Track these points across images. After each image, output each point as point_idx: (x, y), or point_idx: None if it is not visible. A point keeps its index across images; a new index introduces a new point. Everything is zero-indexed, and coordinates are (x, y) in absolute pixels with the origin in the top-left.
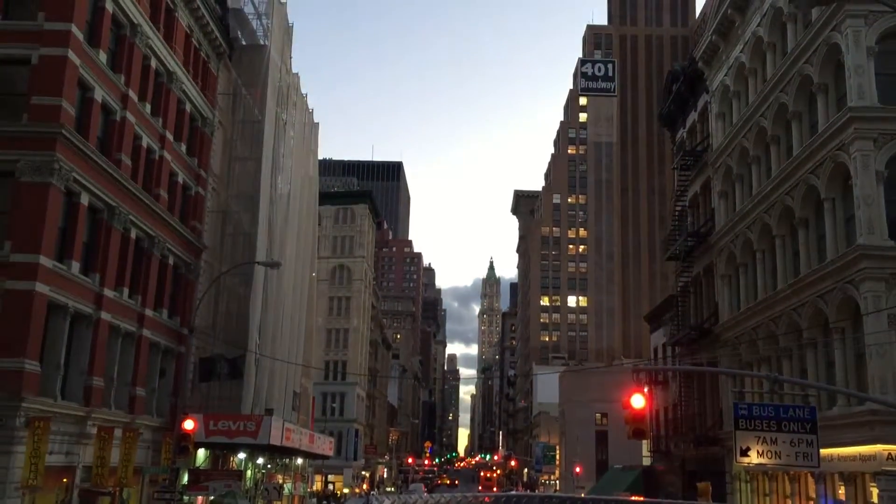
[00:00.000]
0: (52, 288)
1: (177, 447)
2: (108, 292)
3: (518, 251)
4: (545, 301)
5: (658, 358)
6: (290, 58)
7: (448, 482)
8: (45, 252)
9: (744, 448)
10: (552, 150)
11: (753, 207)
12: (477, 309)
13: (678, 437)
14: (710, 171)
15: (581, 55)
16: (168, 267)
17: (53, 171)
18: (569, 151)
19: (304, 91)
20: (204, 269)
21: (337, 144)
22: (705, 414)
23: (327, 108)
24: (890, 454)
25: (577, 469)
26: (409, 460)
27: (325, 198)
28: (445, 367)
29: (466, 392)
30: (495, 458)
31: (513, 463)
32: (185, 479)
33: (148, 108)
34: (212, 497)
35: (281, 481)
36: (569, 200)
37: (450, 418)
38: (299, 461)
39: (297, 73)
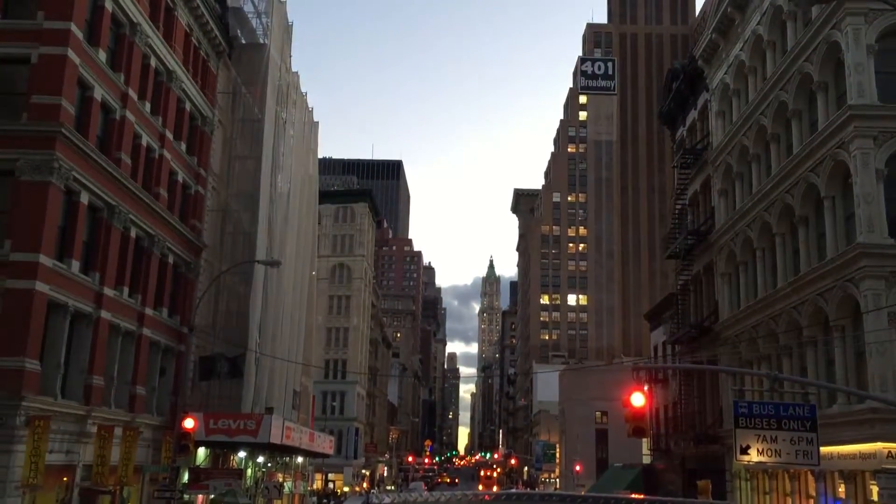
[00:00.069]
0: (52, 287)
1: (177, 446)
2: (108, 291)
3: (518, 249)
4: (545, 299)
5: (658, 356)
6: (290, 56)
7: (448, 481)
8: (45, 251)
9: (744, 446)
10: (552, 149)
11: (753, 206)
12: (477, 307)
13: (678, 435)
14: (710, 170)
15: (581, 53)
16: (168, 266)
17: (53, 170)
18: (569, 150)
19: (303, 90)
20: (204, 267)
21: (337, 143)
22: (705, 412)
23: (327, 107)
24: (890, 452)
25: (578, 467)
26: (410, 459)
27: (325, 196)
28: (445, 366)
29: (466, 390)
30: (495, 456)
31: (513, 461)
32: (186, 477)
33: (148, 106)
34: (212, 496)
35: (281, 480)
36: (569, 199)
37: (450, 417)
38: (299, 460)
39: (296, 72)
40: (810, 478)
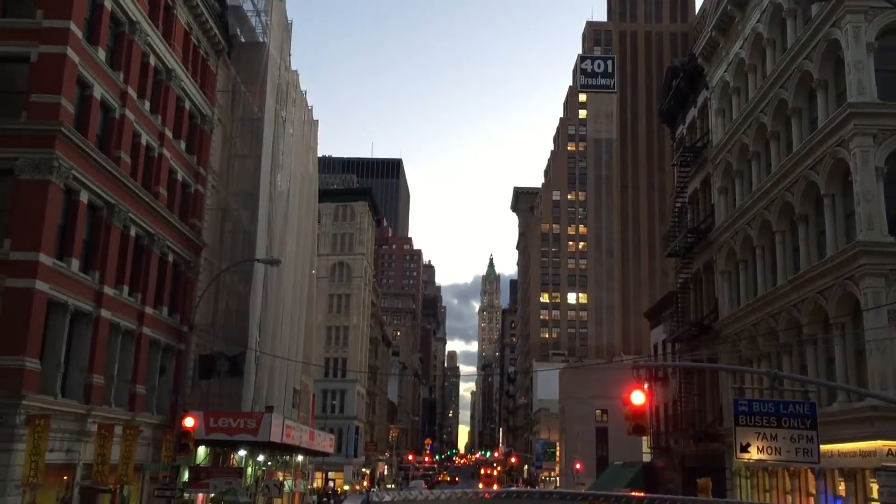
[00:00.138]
0: (51, 286)
1: (177, 444)
2: (108, 290)
3: (518, 248)
4: (545, 298)
5: (658, 354)
6: (290, 55)
7: (448, 479)
8: (45, 250)
9: (744, 444)
10: (552, 147)
11: (753, 204)
12: (477, 306)
13: (678, 433)
14: (709, 168)
15: (581, 52)
16: (168, 264)
17: (53, 169)
18: (568, 148)
19: (303, 88)
20: (204, 266)
21: (336, 142)
22: (705, 410)
23: (327, 106)
24: (890, 450)
25: (578, 466)
26: (410, 457)
27: (325, 195)
28: (445, 364)
29: (466, 389)
30: (495, 454)
31: (513, 460)
32: (186, 476)
33: (147, 105)
34: (212, 494)
35: (281, 478)
36: (568, 197)
37: (450, 415)
38: (300, 458)
39: (296, 71)
40: (810, 476)
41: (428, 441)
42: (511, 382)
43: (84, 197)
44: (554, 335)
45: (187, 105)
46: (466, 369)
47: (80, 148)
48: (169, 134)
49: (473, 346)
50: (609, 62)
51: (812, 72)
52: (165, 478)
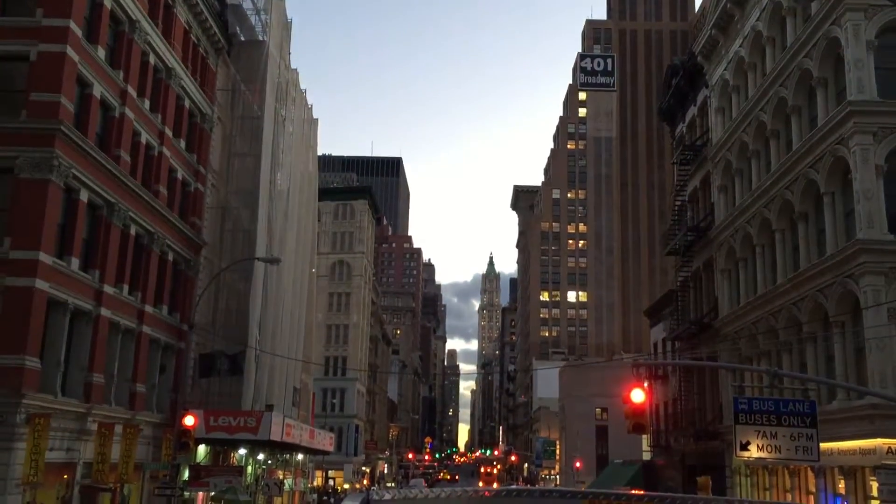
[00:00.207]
0: (51, 284)
1: (177, 443)
2: (108, 289)
3: (518, 246)
4: (545, 296)
5: (658, 353)
6: (289, 53)
7: (448, 477)
8: (45, 249)
9: (744, 442)
10: (552, 146)
11: (753, 202)
12: (477, 304)
13: (678, 431)
14: (709, 166)
15: (580, 50)
16: (168, 263)
17: (52, 168)
18: (568, 146)
19: (302, 87)
20: (203, 265)
21: (336, 140)
22: (705, 408)
23: (327, 105)
24: (890, 448)
25: (578, 464)
26: (410, 456)
27: (325, 193)
28: (445, 363)
29: (466, 387)
30: (495, 453)
31: (513, 458)
32: (186, 475)
33: (147, 104)
34: (212, 493)
35: (281, 477)
36: (568, 195)
37: (450, 414)
38: (300, 457)
39: (295, 69)
40: (810, 474)
41: (428, 439)
42: (511, 381)
43: (84, 196)
44: (554, 333)
45: (187, 104)
46: (466, 367)
47: (79, 147)
48: (169, 132)
49: (473, 345)
50: (609, 60)
51: (812, 70)
52: (166, 476)
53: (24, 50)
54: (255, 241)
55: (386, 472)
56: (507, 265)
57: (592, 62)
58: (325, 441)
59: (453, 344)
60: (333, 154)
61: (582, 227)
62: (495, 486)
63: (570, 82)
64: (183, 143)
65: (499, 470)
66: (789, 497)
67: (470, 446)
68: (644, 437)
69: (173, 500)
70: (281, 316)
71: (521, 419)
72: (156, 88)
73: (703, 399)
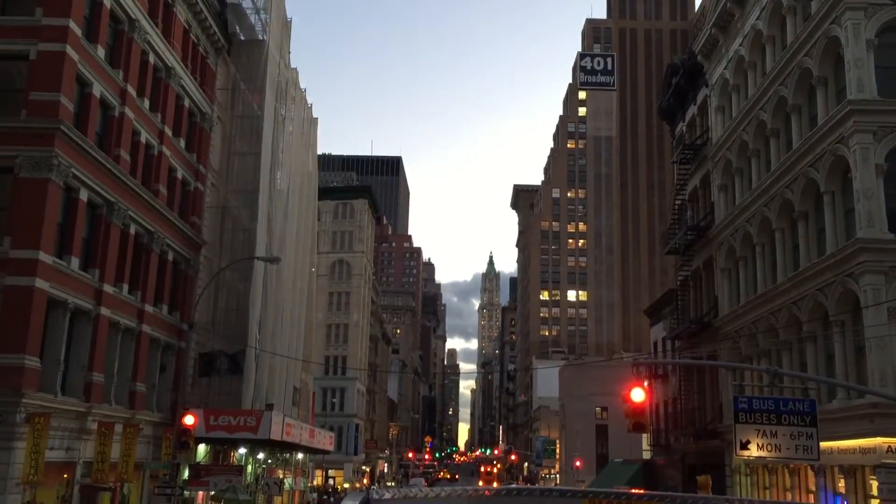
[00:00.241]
0: (51, 284)
1: (177, 442)
2: (108, 288)
3: (517, 246)
4: (545, 295)
5: (658, 352)
6: (289, 53)
7: (448, 476)
8: (45, 248)
9: (744, 441)
10: (551, 145)
11: (753, 201)
12: (477, 304)
13: (678, 430)
14: (709, 165)
15: (580, 49)
16: (167, 262)
17: (52, 167)
18: (568, 146)
19: (302, 86)
20: (203, 264)
21: (336, 140)
22: (705, 407)
23: (327, 104)
24: (890, 447)
25: (578, 463)
26: (410, 455)
27: (325, 193)
28: (445, 362)
29: (466, 387)
30: (495, 452)
31: (513, 457)
32: (186, 474)
33: (146, 103)
34: (212, 492)
35: (281, 476)
36: (568, 195)
37: (450, 413)
38: (300, 456)
39: (295, 68)
40: (810, 473)
41: (428, 439)
42: (511, 380)
43: (84, 195)
44: (554, 333)
45: (187, 103)
46: (466, 367)
47: (79, 146)
48: (168, 132)
49: (473, 344)
50: (609, 59)
51: (812, 69)
52: (166, 476)
53: (24, 49)
54: (254, 240)
55: (386, 471)
56: (507, 264)
57: (592, 61)
58: (325, 440)
59: (453, 343)
60: (333, 153)
61: (582, 227)
62: (495, 485)
63: (570, 81)
64: (183, 143)
65: (499, 469)
66: (789, 496)
67: (470, 445)
68: (644, 436)
69: (173, 499)
70: (281, 315)
71: (521, 418)
72: (155, 88)
73: (703, 398)
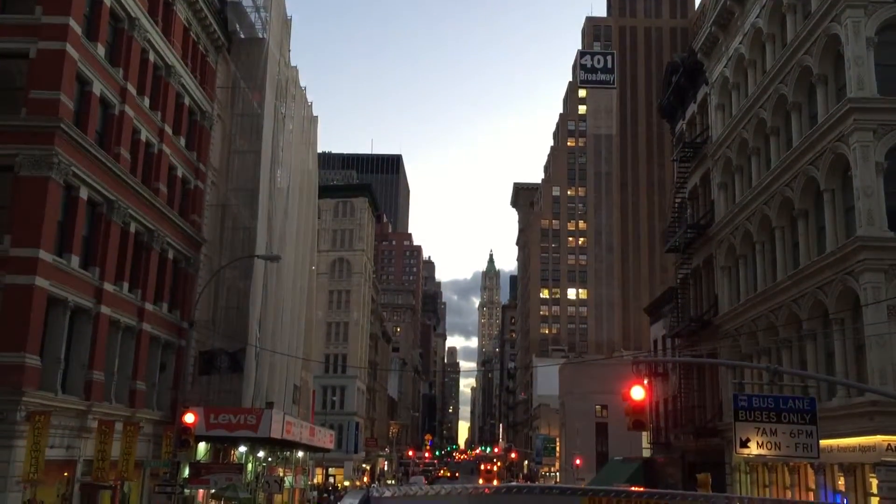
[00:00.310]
0: (51, 282)
1: (177, 441)
2: (108, 286)
3: (518, 244)
4: (545, 293)
5: (658, 350)
6: (289, 51)
7: (448, 474)
8: (45, 246)
9: (744, 439)
10: (552, 143)
11: (753, 199)
12: (477, 302)
13: (678, 428)
14: (709, 163)
15: (580, 47)
16: (168, 261)
17: (52, 165)
18: (568, 144)
19: (302, 84)
20: (203, 262)
21: (336, 138)
22: (705, 405)
23: (327, 102)
24: (889, 445)
25: (578, 461)
26: (410, 453)
27: (325, 191)
28: (445, 360)
29: (466, 385)
30: (496, 450)
31: (513, 455)
32: (186, 472)
33: (146, 101)
34: (213, 490)
35: (282, 474)
36: (568, 193)
37: (450, 411)
38: (300, 454)
39: (295, 66)
40: (810, 471)
41: (428, 437)
42: (511, 378)
43: (84, 193)
44: (554, 331)
45: (187, 101)
46: (466, 365)
47: (79, 144)
48: (168, 130)
49: (473, 342)
50: (609, 58)
51: (812, 67)
52: (166, 474)
53: (24, 47)
54: (255, 238)
55: (386, 469)
56: (508, 262)
57: (592, 59)
58: (326, 438)
59: (453, 341)
60: (333, 151)
61: (582, 225)
62: (495, 483)
63: (571, 79)
64: (183, 141)
65: (499, 467)
66: (789, 494)
67: (470, 443)
68: (644, 434)
69: (173, 497)
70: (281, 313)
71: (521, 416)
72: (155, 86)
73: (703, 396)
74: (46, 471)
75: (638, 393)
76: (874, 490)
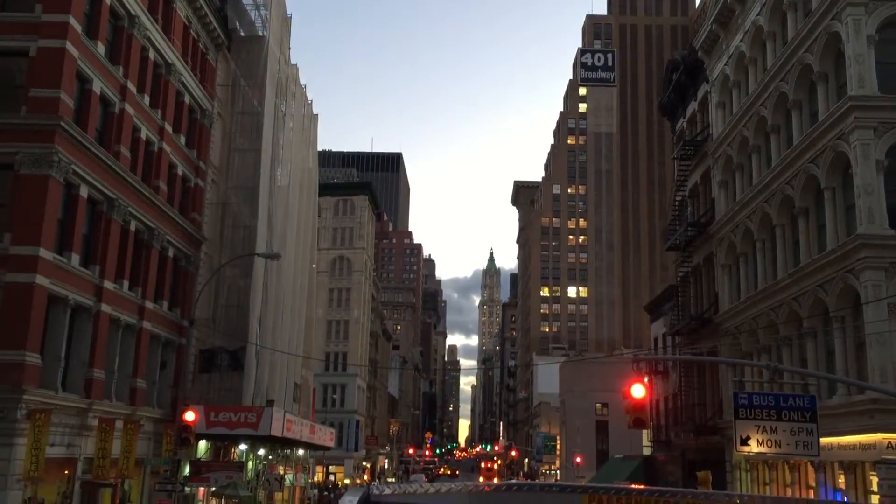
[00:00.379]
0: (52, 280)
1: (178, 439)
2: (108, 284)
3: (518, 242)
4: (545, 292)
5: (658, 348)
6: (289, 49)
7: (449, 472)
8: (45, 244)
9: (744, 437)
10: (552, 141)
11: (753, 197)
12: (477, 300)
13: (678, 426)
14: (710, 161)
15: (581, 45)
16: (168, 259)
17: (52, 164)
18: (568, 142)
19: (303, 83)
20: (204, 260)
21: (336, 136)
22: (705, 403)
23: (327, 100)
24: (890, 443)
25: (578, 459)
26: (410, 451)
27: (325, 189)
28: (446, 358)
29: (467, 383)
30: (496, 448)
31: (513, 453)
32: (187, 470)
33: (147, 99)
34: (213, 488)
35: (282, 472)
36: (569, 191)
37: (450, 409)
38: (300, 452)
39: (295, 65)
40: (810, 468)
41: (428, 435)
42: (511, 376)
43: (84, 191)
44: (554, 329)
45: (187, 99)
46: (467, 363)
47: (79, 142)
48: (169, 128)
49: (474, 340)
50: (609, 56)
51: (812, 65)
52: (166, 472)
53: (24, 46)
54: (255, 236)
55: (386, 467)
56: (508, 261)
57: (593, 57)
58: (326, 436)
59: (454, 339)
60: (333, 150)
61: (582, 223)
62: (495, 481)
63: (571, 78)
64: (183, 139)
65: (499, 465)
66: (789, 492)
67: (470, 441)
68: (644, 432)
69: (174, 495)
70: (281, 311)
71: (522, 414)
72: (156, 84)
73: (703, 394)
74: (47, 469)
75: (638, 391)
76: (874, 488)
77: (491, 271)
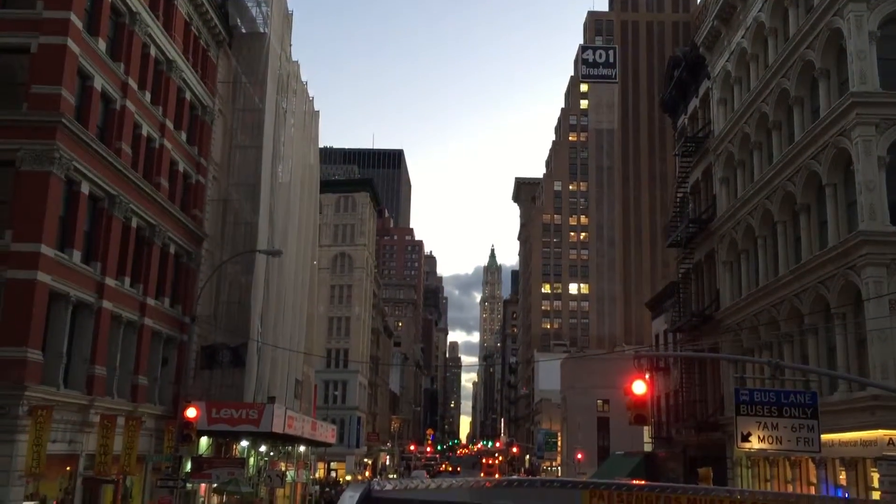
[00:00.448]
0: (53, 277)
1: (179, 435)
2: (110, 281)
3: (519, 239)
4: (546, 288)
5: (659, 344)
6: (290, 45)
7: (450, 469)
8: (47, 241)
9: (745, 433)
10: (553, 138)
11: (755, 193)
12: (478, 297)
13: (680, 423)
14: (711, 158)
15: (582, 42)
16: (169, 256)
17: (54, 160)
18: (570, 138)
19: (304, 79)
20: (205, 257)
21: (338, 133)
22: (707, 400)
23: (328, 100)
24: (891, 439)
25: (579, 455)
26: (412, 447)
27: (326, 186)
28: (447, 355)
29: (468, 379)
30: (497, 445)
31: (514, 450)
32: (188, 466)
33: (148, 96)
34: (215, 485)
35: (283, 469)
36: (570, 188)
37: (451, 406)
38: (302, 449)
39: (296, 61)
40: (811, 465)
41: (430, 431)
42: (512, 373)
43: (85, 188)
44: (555, 325)
45: (188, 96)
46: (468, 360)
47: (80, 139)
48: (170, 125)
49: (475, 337)
50: (611, 52)
51: (814, 61)
52: (168, 468)
53: (25, 42)
54: (256, 233)
55: (388, 463)
56: (509, 257)
57: (594, 54)
58: (327, 433)
59: (455, 336)
60: (335, 146)
61: (583, 219)
62: (497, 477)
63: (572, 74)
64: (184, 136)
65: (500, 461)
66: (790, 488)
67: (472, 438)
68: (645, 428)
69: (176, 491)
70: (283, 308)
71: (523, 411)
72: (157, 81)
73: (704, 391)
74: (48, 465)
75: (639, 387)
76: (875, 484)
77: (492, 268)
